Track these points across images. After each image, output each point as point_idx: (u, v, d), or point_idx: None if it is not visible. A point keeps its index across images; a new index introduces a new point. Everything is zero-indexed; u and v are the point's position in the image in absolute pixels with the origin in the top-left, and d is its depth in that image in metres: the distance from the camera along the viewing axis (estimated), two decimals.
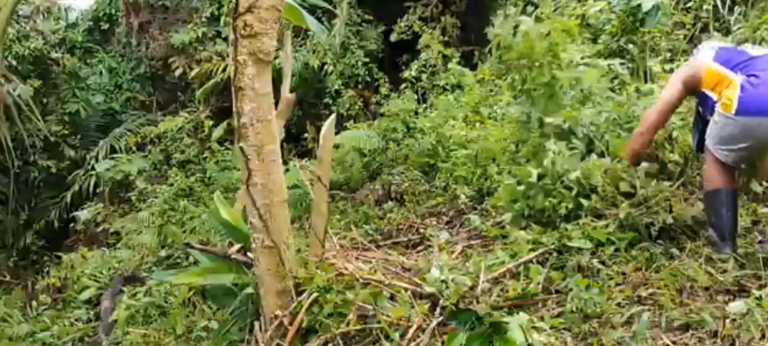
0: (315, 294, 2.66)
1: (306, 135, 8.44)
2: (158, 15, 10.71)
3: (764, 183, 3.67)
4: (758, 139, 2.87)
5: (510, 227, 3.46)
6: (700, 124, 3.18)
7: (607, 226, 3.13)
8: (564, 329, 2.47)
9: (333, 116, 3.14)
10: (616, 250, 3.01)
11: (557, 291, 2.78)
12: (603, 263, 2.93)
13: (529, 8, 6.03)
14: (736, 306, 2.35)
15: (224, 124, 8.43)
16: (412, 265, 3.25)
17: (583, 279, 2.69)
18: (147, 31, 10.68)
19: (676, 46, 5.07)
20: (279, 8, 2.61)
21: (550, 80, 3.88)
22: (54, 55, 10.40)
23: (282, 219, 2.71)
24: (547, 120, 3.77)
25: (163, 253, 5.33)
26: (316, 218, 3.00)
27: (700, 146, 3.16)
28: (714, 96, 3.00)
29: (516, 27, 4.03)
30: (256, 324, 2.84)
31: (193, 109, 9.82)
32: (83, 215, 8.37)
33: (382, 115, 6.64)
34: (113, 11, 11.27)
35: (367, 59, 8.65)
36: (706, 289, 2.60)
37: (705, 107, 3.10)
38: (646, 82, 4.66)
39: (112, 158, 8.97)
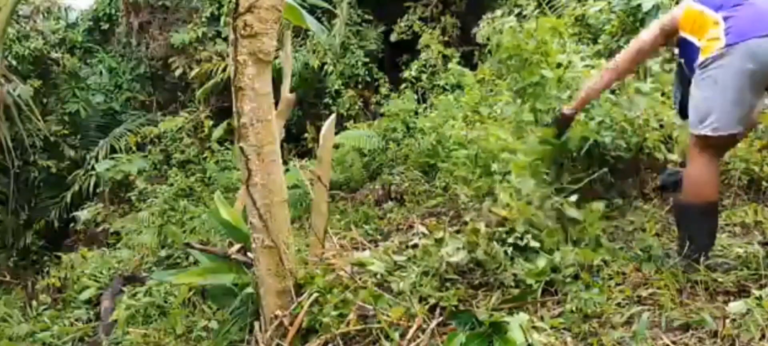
0: (315, 294, 2.66)
1: (306, 135, 8.45)
2: (158, 15, 10.72)
3: (765, 183, 3.67)
4: (761, 64, 2.53)
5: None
6: (683, 84, 2.90)
7: None
8: (564, 329, 2.46)
9: (333, 116, 3.15)
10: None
11: (557, 291, 2.78)
12: (604, 262, 2.92)
13: (519, 8, 6.02)
14: (736, 306, 2.34)
15: (224, 124, 8.45)
16: None
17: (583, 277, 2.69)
18: (147, 31, 10.69)
19: None
20: (279, 8, 2.61)
21: (540, 80, 3.87)
22: (54, 55, 10.42)
23: (282, 219, 2.71)
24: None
25: (163, 253, 5.34)
26: (316, 218, 3.01)
27: (684, 110, 2.88)
28: (695, 40, 2.73)
29: (502, 28, 4.03)
30: (256, 324, 2.84)
31: (193, 109, 9.83)
32: (83, 215, 8.38)
33: (382, 115, 6.64)
34: (113, 11, 11.29)
35: (367, 59, 8.65)
36: (706, 289, 2.60)
37: (687, 59, 2.82)
38: (646, 82, 4.65)
39: (112, 158, 8.99)
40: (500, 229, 2.85)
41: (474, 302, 2.63)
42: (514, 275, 2.69)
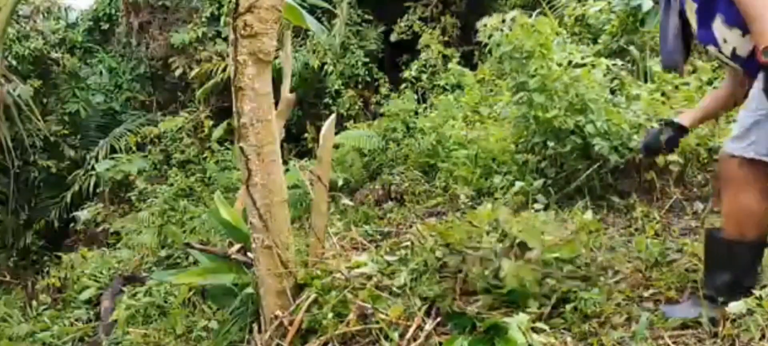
0: (314, 294, 2.66)
1: (306, 135, 8.45)
2: (158, 15, 10.72)
3: None
4: None
5: None
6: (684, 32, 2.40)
7: None
8: (564, 329, 2.47)
9: (333, 116, 3.15)
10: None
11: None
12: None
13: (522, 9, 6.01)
14: (736, 306, 2.34)
15: (224, 124, 8.45)
16: None
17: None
18: (147, 31, 10.69)
19: None
20: (279, 8, 2.61)
21: (543, 76, 3.85)
22: (54, 55, 10.42)
23: (282, 219, 2.71)
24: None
25: (163, 253, 5.34)
26: (316, 218, 3.01)
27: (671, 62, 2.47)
28: None
29: (503, 21, 4.03)
30: (256, 324, 2.84)
31: (193, 109, 9.84)
32: (83, 215, 8.38)
33: (382, 115, 6.64)
34: (113, 11, 11.29)
35: (367, 59, 8.65)
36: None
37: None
38: (645, 81, 4.66)
39: (112, 158, 8.99)
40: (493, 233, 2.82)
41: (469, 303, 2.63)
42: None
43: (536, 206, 3.55)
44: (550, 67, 3.87)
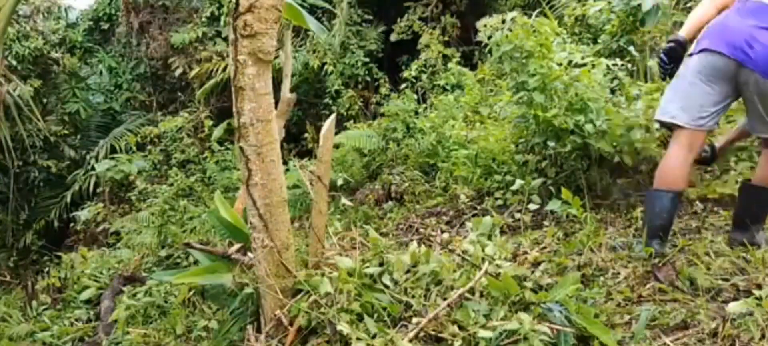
0: (315, 294, 2.65)
1: (306, 135, 8.45)
2: (158, 15, 10.73)
3: None
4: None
5: None
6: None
7: None
8: None
9: (333, 116, 3.14)
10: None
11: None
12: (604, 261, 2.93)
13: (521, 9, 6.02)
14: (736, 306, 2.35)
15: (224, 124, 8.46)
16: None
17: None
18: (147, 31, 10.71)
19: None
20: (279, 8, 2.61)
21: (543, 75, 3.85)
22: (54, 55, 10.43)
23: (282, 219, 2.71)
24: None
25: (163, 253, 5.33)
26: (316, 218, 3.00)
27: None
28: None
29: (503, 21, 4.03)
30: (256, 324, 2.84)
31: (193, 109, 9.84)
32: (83, 215, 8.37)
33: (382, 115, 6.64)
34: (113, 11, 11.31)
35: (367, 59, 8.65)
36: (707, 289, 2.60)
37: None
38: (645, 81, 4.65)
39: (112, 158, 8.98)
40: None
41: None
42: None
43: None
44: (550, 67, 3.86)
